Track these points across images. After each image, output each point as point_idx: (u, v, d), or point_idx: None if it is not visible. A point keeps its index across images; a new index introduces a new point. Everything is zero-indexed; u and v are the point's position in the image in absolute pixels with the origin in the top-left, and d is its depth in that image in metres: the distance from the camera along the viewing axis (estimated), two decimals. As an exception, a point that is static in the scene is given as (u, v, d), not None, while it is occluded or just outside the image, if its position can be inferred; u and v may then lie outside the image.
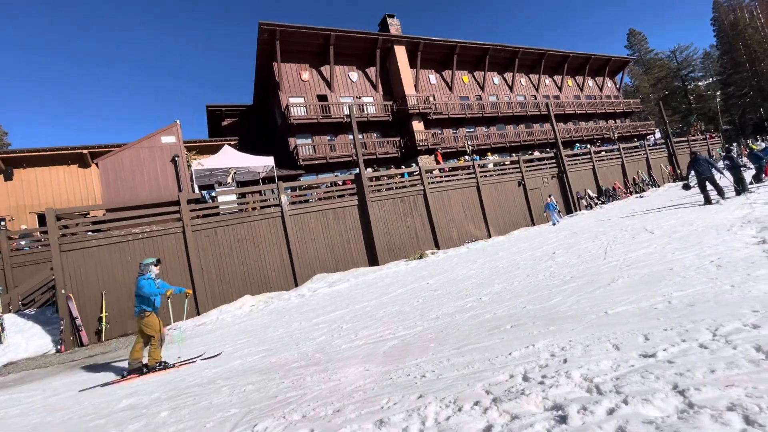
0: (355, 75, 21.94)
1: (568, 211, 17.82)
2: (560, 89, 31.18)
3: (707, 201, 9.35)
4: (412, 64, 22.87)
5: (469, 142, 18.77)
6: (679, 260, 4.65)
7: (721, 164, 12.69)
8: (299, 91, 20.15)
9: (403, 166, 19.47)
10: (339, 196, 13.20)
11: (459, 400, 2.43)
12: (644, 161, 23.00)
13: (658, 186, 21.60)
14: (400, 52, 22.29)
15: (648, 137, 32.77)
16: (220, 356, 5.18)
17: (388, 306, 6.02)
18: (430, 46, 23.23)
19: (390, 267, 10.94)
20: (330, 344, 4.53)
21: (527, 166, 17.45)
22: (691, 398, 1.93)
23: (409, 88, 21.95)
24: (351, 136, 18.92)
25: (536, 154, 20.37)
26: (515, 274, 6.06)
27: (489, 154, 22.06)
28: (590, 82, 33.69)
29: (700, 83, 60.78)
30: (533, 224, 16.09)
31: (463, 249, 12.00)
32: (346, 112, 19.80)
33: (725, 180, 10.31)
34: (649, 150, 23.85)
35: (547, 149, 25.14)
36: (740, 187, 9.93)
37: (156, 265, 5.27)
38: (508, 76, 28.34)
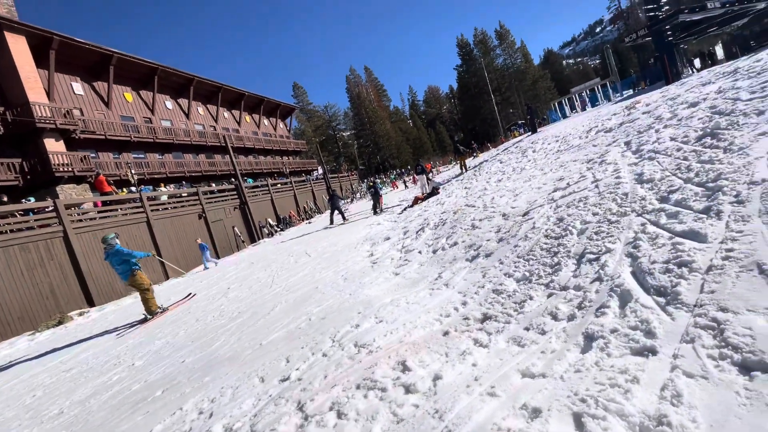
0: None
1: (252, 240, 18.69)
2: (239, 124, 32.75)
3: (331, 222, 13.82)
4: (41, 63, 17.24)
5: (133, 171, 16.02)
6: (322, 278, 5.68)
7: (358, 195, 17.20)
8: None
9: (30, 199, 14.02)
10: None
11: None
12: (310, 192, 27.80)
13: (322, 212, 26.64)
14: (18, 44, 16.27)
15: (312, 173, 40.03)
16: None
17: (-25, 418, 3.90)
18: (71, 47, 18.36)
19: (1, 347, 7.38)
20: None
21: (208, 198, 16.93)
22: (307, 411, 2.22)
23: (36, 94, 16.33)
24: None
25: (213, 186, 20.19)
26: (183, 321, 5.49)
27: (163, 185, 19.80)
28: (265, 121, 37.43)
29: (344, 134, 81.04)
30: (218, 257, 15.70)
31: (129, 299, 9.91)
32: None
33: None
34: (314, 183, 29.11)
35: (232, 180, 25.59)
36: (376, 210, 13.88)
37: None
38: (183, 102, 26.87)
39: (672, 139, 5.11)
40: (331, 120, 78.86)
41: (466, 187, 10.67)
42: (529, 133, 18.60)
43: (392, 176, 34.95)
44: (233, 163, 19.48)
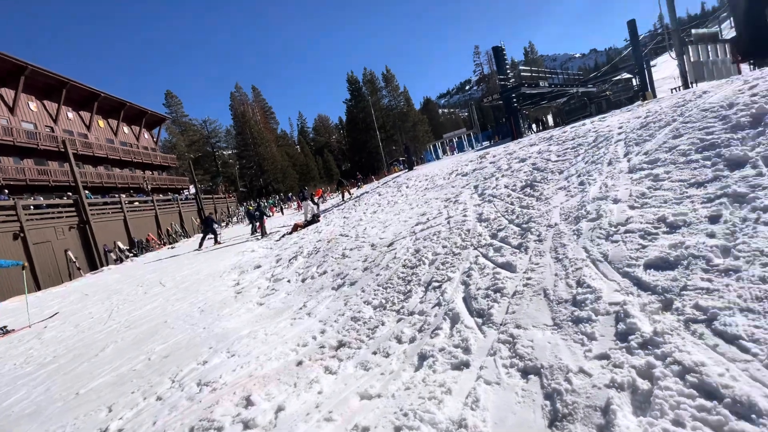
0: None
1: (93, 267, 15.55)
2: (89, 128, 27.68)
3: (200, 247, 12.74)
4: None
5: None
6: (175, 311, 5.05)
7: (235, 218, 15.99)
8: None
9: None
10: None
11: None
12: (177, 213, 24.78)
13: (190, 236, 23.89)
14: None
15: (183, 191, 35.91)
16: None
17: None
18: None
19: None
20: None
21: (32, 214, 13.61)
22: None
23: None
24: None
25: (41, 199, 16.45)
26: (-34, 373, 4.19)
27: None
28: (125, 128, 32.47)
29: (225, 152, 75.56)
30: (39, 288, 12.56)
31: None
32: None
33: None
34: (182, 203, 26.08)
35: (70, 194, 21.11)
36: (256, 232, 13.05)
37: None
38: (8, 93, 21.59)
39: (506, 186, 6.24)
40: (210, 136, 73.06)
41: (344, 217, 10.97)
42: (407, 170, 20.33)
43: (271, 201, 33.47)
44: (74, 172, 16.21)
